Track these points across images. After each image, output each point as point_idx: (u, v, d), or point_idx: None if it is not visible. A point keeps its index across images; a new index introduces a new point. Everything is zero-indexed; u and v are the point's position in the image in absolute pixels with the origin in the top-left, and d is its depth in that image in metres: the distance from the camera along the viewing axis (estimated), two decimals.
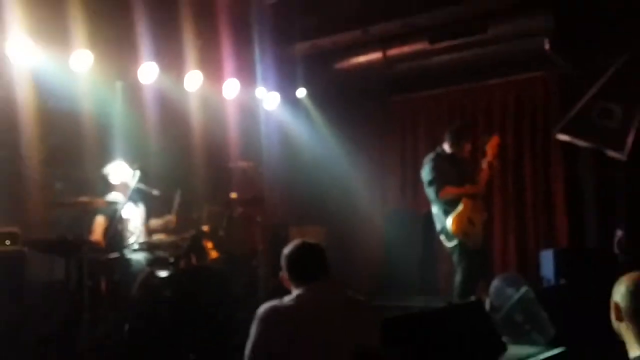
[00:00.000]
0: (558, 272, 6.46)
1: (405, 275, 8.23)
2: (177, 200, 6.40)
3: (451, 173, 6.18)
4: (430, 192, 6.12)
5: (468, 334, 4.37)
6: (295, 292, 2.91)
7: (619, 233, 6.11)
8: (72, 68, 6.33)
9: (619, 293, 2.20)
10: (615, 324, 2.22)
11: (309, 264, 2.95)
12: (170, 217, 6.43)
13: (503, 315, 5.70)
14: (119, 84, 7.14)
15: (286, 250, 3.04)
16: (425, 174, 6.18)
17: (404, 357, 3.42)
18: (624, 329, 2.18)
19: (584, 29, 7.07)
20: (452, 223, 5.98)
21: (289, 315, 2.76)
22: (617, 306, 2.20)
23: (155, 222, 6.44)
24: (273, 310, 2.77)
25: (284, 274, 3.01)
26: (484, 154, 6.31)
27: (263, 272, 6.86)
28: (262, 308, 2.80)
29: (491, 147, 6.26)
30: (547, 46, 6.96)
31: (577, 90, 7.22)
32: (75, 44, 6.21)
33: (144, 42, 6.68)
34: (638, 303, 2.14)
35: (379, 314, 3.15)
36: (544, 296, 5.24)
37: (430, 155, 6.30)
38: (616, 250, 6.11)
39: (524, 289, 5.68)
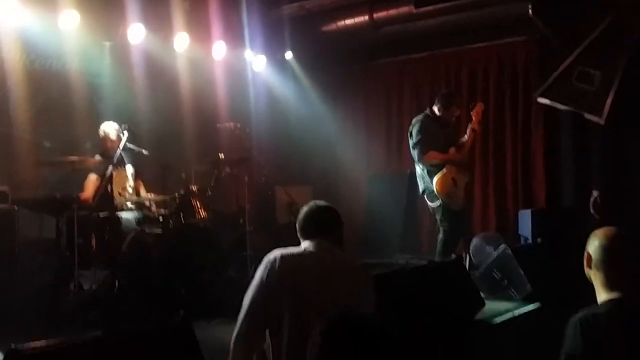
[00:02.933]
0: (535, 231, 6.62)
1: (388, 233, 8.42)
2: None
3: (438, 135, 6.27)
4: (414, 153, 6.23)
5: (448, 290, 4.47)
6: (302, 244, 3.05)
7: (595, 194, 6.26)
8: (59, 28, 6.31)
9: (592, 245, 2.47)
10: (586, 270, 2.50)
11: (316, 222, 3.08)
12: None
13: (482, 272, 5.86)
14: (106, 44, 7.13)
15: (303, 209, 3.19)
16: (412, 135, 6.26)
17: (387, 313, 3.51)
18: (592, 276, 2.48)
19: None
20: (437, 184, 6.09)
21: (293, 262, 2.89)
22: (588, 256, 2.47)
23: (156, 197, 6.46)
24: (280, 256, 2.89)
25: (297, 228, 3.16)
26: (468, 120, 6.43)
27: (249, 230, 6.98)
28: (271, 253, 2.93)
29: (476, 113, 6.37)
30: (529, 11, 7.03)
31: (558, 55, 7.30)
32: (62, 4, 6.20)
33: (131, 3, 6.66)
34: (606, 256, 2.42)
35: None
36: (521, 254, 5.38)
37: (419, 117, 6.37)
38: (592, 211, 6.27)
39: (502, 247, 5.84)
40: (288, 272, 2.85)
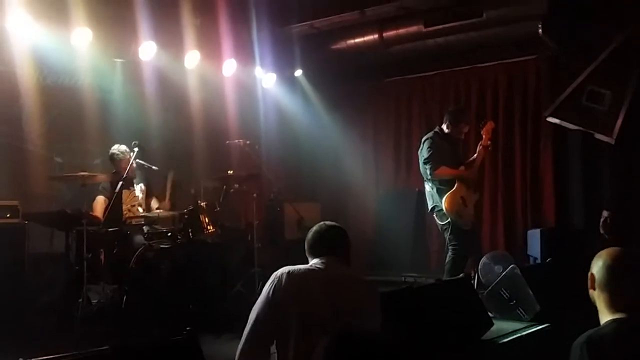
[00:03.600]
0: (544, 251, 6.58)
1: (397, 251, 8.38)
2: (169, 182, 6.41)
3: (448, 152, 6.27)
4: (425, 169, 6.22)
5: (456, 309, 4.43)
6: (310, 262, 3.08)
7: (605, 214, 6.23)
8: (72, 45, 6.37)
9: (597, 265, 2.45)
10: (590, 292, 2.48)
11: (324, 240, 3.10)
12: (164, 204, 6.45)
13: (490, 292, 5.81)
14: (118, 61, 7.20)
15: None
16: (422, 152, 6.25)
17: (394, 331, 3.50)
18: (596, 297, 2.45)
19: (576, 13, 7.15)
20: (446, 202, 6.06)
21: (300, 278, 2.90)
22: (592, 276, 2.45)
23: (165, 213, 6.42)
24: (287, 272, 2.91)
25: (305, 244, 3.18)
26: (479, 138, 6.43)
27: (257, 246, 6.99)
28: (279, 270, 2.95)
29: (486, 131, 6.36)
30: (539, 30, 7.04)
31: (568, 74, 7.31)
32: (75, 22, 6.26)
33: (143, 21, 6.72)
34: (611, 276, 2.39)
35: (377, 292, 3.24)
36: (530, 274, 5.35)
37: (429, 134, 6.37)
38: (602, 231, 6.23)
39: (510, 267, 5.80)
40: (295, 288, 2.86)
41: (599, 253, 2.48)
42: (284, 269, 2.93)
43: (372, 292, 3.15)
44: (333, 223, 3.22)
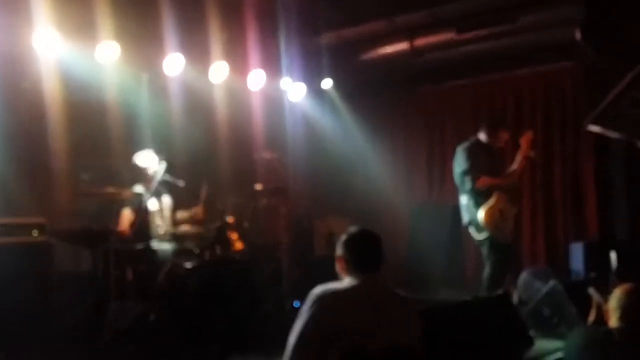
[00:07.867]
0: (587, 265, 6.40)
1: (431, 267, 8.20)
2: (204, 191, 6.37)
3: (486, 162, 6.06)
4: (465, 181, 5.97)
5: (495, 327, 4.34)
6: (349, 279, 2.93)
7: None
8: (98, 60, 6.40)
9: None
10: None
11: (370, 253, 2.98)
12: (197, 209, 6.42)
13: (531, 309, 5.65)
14: (145, 76, 7.22)
15: (347, 235, 3.03)
16: (460, 162, 6.02)
17: (431, 350, 3.40)
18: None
19: (615, 18, 6.95)
20: (484, 215, 5.84)
21: (343, 300, 2.80)
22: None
23: (182, 214, 6.43)
24: (329, 293, 2.81)
25: (341, 257, 2.99)
26: (518, 148, 6.24)
27: (286, 262, 6.89)
28: (317, 289, 2.83)
29: (525, 140, 6.17)
30: (578, 36, 6.86)
31: (607, 81, 7.07)
32: (101, 36, 6.28)
33: (170, 33, 6.73)
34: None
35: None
36: (573, 290, 5.19)
37: (465, 144, 6.16)
38: None
39: (552, 283, 5.62)
40: (340, 307, 2.77)
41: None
42: (325, 288, 2.83)
43: (414, 310, 3.06)
44: (370, 231, 3.06)
